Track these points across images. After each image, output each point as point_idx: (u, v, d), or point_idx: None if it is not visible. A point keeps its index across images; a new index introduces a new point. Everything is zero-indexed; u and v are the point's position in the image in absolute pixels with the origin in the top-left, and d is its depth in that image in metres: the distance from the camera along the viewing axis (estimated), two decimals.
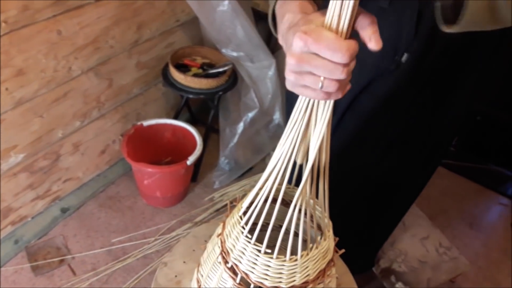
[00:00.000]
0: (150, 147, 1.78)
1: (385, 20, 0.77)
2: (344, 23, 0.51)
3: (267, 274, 0.74)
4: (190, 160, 1.62)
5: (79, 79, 1.54)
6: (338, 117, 0.99)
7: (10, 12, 1.22)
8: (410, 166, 1.10)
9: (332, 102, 0.59)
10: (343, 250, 0.84)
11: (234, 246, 0.76)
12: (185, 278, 0.92)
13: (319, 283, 0.79)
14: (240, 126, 1.82)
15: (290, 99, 1.16)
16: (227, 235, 0.79)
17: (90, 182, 1.81)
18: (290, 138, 0.71)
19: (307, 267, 0.76)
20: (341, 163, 1.07)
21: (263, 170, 0.73)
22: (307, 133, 0.69)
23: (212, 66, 1.78)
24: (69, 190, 1.74)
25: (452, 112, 1.00)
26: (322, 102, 0.60)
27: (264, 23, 1.83)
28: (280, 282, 0.75)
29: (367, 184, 1.11)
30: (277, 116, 1.85)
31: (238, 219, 0.77)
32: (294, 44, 0.49)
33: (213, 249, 0.83)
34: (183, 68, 1.75)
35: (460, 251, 1.71)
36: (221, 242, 0.81)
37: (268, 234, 0.73)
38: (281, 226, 0.73)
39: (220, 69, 1.73)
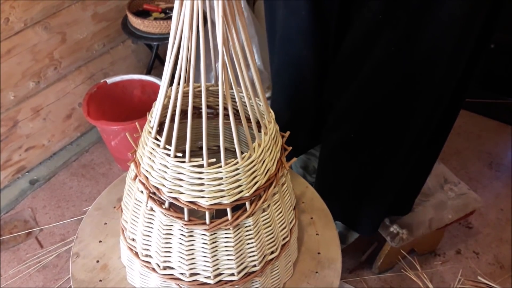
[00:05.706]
0: (120, 108, 1.63)
1: None
2: None
3: (222, 190, 0.57)
4: None
5: (24, 33, 1.39)
6: None
7: None
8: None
9: None
10: (288, 133, 0.70)
11: (164, 178, 0.58)
12: (110, 258, 0.75)
13: (281, 175, 0.65)
14: (213, 76, 1.63)
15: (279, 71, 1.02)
16: (147, 170, 0.60)
17: (61, 152, 1.68)
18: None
19: (264, 161, 0.61)
20: None
21: None
22: None
23: None
24: (37, 160, 1.62)
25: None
26: None
27: None
28: (242, 191, 0.59)
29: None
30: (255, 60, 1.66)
31: (153, 141, 0.59)
32: None
33: (135, 200, 0.64)
34: (144, 15, 1.58)
35: (479, 193, 1.49)
36: (143, 183, 0.61)
37: (205, 141, 0.56)
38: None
39: None
